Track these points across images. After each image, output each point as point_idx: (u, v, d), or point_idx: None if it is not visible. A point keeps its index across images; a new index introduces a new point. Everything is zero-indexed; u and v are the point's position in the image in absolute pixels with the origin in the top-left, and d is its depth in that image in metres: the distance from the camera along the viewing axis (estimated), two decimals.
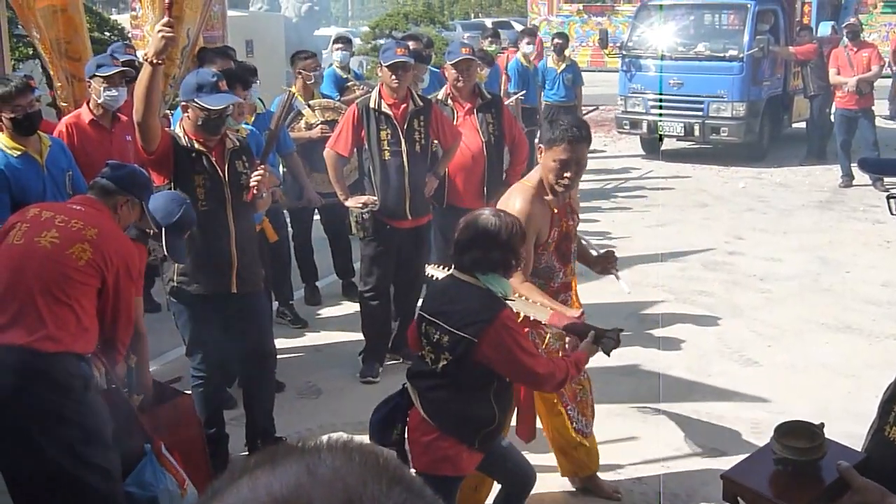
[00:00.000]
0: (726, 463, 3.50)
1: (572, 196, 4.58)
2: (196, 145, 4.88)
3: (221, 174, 4.92)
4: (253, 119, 6.44)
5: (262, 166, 5.04)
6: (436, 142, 6.46)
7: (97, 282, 3.90)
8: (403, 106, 6.26)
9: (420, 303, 4.35)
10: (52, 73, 7.49)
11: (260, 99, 6.94)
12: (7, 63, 6.83)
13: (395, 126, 6.22)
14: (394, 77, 6.19)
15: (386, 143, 6.22)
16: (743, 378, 6.37)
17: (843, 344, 6.97)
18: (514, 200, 4.35)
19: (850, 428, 3.15)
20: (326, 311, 7.90)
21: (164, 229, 4.44)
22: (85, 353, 3.91)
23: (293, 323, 7.43)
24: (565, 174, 4.28)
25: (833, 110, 13.42)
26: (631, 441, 5.47)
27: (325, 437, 0.91)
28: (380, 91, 6.29)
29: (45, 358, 3.74)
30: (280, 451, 0.90)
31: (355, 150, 6.37)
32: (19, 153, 5.12)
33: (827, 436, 2.39)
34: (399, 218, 6.34)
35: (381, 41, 13.90)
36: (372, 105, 6.23)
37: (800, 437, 2.38)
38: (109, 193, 4.16)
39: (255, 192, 4.96)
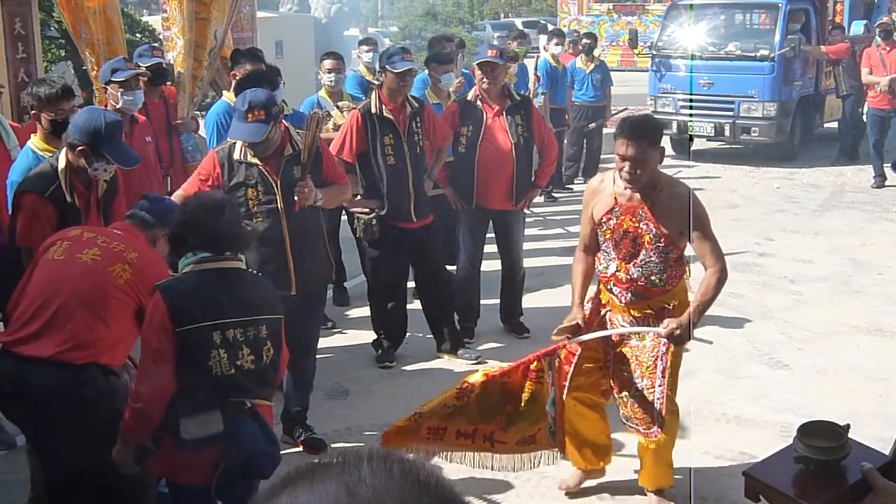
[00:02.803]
0: None
1: (652, 210, 4.45)
2: (249, 157, 4.97)
3: (273, 183, 4.98)
4: None
5: (304, 182, 5.06)
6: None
7: (134, 303, 3.95)
8: (403, 110, 6.33)
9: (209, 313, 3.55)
10: (94, 74, 7.56)
11: (284, 101, 6.95)
12: (39, 65, 6.88)
13: (397, 130, 6.29)
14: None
15: (389, 147, 6.29)
16: (772, 381, 6.32)
17: (875, 347, 6.89)
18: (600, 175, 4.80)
19: (879, 432, 3.13)
20: (354, 312, 7.90)
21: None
22: (113, 366, 3.96)
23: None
24: (623, 168, 4.36)
25: (865, 110, 13.30)
26: None
27: (365, 451, 0.91)
28: (379, 96, 6.33)
29: (72, 369, 3.80)
30: (321, 466, 0.90)
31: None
32: (50, 154, 5.16)
33: (856, 439, 2.37)
34: (405, 220, 6.42)
35: (408, 42, 13.93)
36: (373, 110, 6.28)
37: (823, 436, 2.37)
38: (149, 227, 4.24)
39: (302, 203, 5.03)
